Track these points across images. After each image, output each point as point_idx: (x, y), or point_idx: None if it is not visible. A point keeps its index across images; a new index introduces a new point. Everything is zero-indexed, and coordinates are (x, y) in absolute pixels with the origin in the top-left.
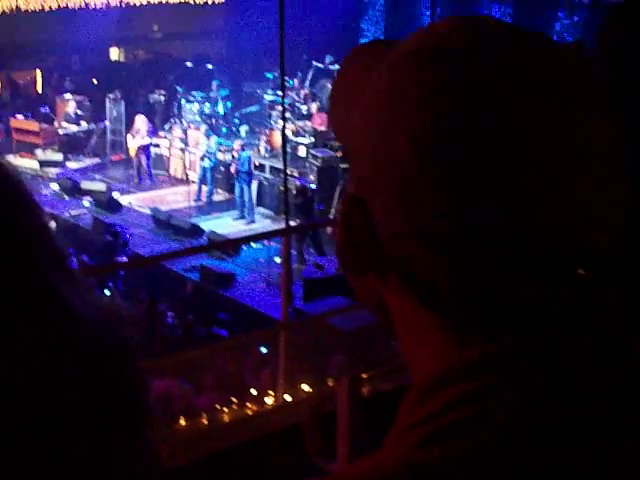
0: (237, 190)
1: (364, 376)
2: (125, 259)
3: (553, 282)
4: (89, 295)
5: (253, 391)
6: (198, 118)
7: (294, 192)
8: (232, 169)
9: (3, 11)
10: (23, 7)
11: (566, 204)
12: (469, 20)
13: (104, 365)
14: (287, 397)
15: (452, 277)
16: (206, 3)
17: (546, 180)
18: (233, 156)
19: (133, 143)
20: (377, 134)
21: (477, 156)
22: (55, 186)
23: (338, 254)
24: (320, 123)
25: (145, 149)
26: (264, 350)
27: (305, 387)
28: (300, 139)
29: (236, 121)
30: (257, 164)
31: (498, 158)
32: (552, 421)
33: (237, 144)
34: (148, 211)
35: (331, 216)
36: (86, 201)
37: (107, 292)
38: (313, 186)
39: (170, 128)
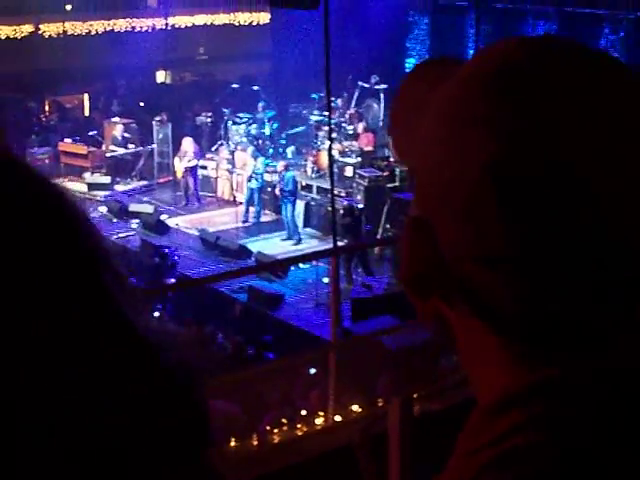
0: (283, 210)
1: (415, 396)
2: (173, 281)
3: (625, 308)
4: (150, 319)
5: (303, 412)
6: (245, 139)
7: (341, 212)
8: (276, 189)
9: (50, 35)
10: (70, 31)
11: None
12: (538, 40)
13: (175, 392)
14: (337, 418)
15: (519, 300)
16: (251, 24)
17: (627, 207)
18: (278, 176)
19: (180, 165)
20: (444, 156)
21: (550, 181)
22: (103, 209)
23: (402, 275)
24: (366, 143)
25: (192, 171)
26: (313, 371)
27: (355, 407)
28: (347, 159)
29: (283, 142)
30: (304, 185)
31: (574, 184)
32: (618, 450)
33: (281, 164)
34: (196, 232)
35: (378, 236)
36: (134, 223)
37: (156, 314)
38: (360, 206)
39: (217, 150)
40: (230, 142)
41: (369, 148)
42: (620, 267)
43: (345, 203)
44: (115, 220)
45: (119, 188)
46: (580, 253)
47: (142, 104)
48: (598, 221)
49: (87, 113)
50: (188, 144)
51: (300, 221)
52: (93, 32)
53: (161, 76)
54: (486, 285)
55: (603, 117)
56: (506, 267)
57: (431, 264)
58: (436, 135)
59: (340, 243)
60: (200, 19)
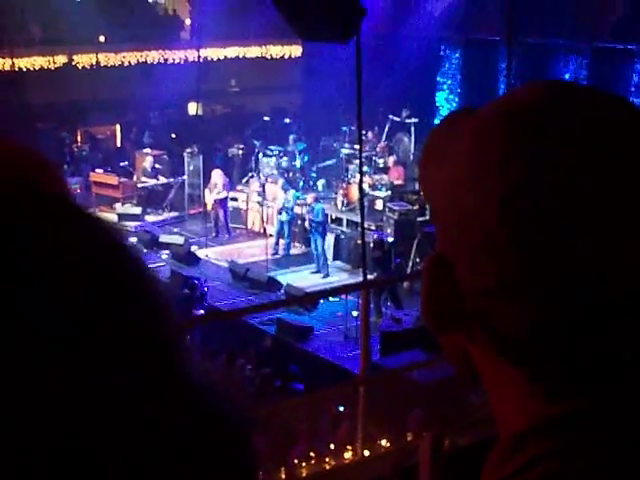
0: (312, 243)
1: (445, 431)
2: (202, 312)
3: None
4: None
5: (331, 445)
6: (275, 172)
7: (371, 245)
8: (306, 222)
9: (83, 66)
10: (103, 63)
11: None
12: (552, 83)
13: (227, 438)
14: (366, 452)
15: (534, 331)
16: (283, 57)
17: (628, 249)
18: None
19: (210, 197)
20: (460, 193)
21: (563, 216)
22: (133, 239)
23: (423, 310)
24: (397, 177)
25: (222, 203)
26: (342, 408)
27: (384, 442)
28: (377, 192)
29: (313, 175)
30: (334, 218)
31: (587, 221)
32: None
33: (311, 197)
34: (225, 264)
35: (408, 269)
36: (164, 254)
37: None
38: (390, 239)
39: (248, 182)
40: (261, 174)
41: (399, 182)
42: (630, 299)
43: (375, 236)
44: (145, 251)
45: (150, 219)
46: (592, 286)
47: (174, 136)
48: (603, 258)
49: (119, 144)
50: (217, 176)
51: (330, 254)
52: (126, 63)
53: (193, 108)
54: (504, 318)
55: (615, 167)
56: (522, 299)
57: (451, 300)
58: (453, 174)
59: (370, 276)
60: (232, 51)
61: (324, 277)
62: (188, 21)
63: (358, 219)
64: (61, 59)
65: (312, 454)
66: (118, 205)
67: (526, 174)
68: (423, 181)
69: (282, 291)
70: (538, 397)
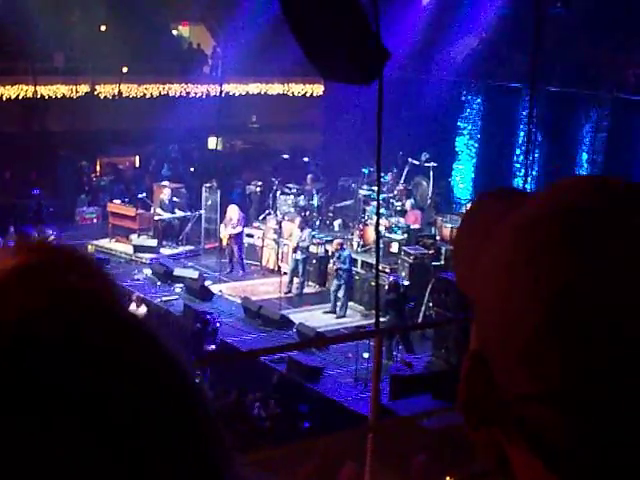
0: (334, 286)
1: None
2: (214, 347)
3: None
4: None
5: None
6: (292, 210)
7: (386, 287)
8: (332, 266)
9: (105, 96)
10: (125, 93)
11: None
12: (598, 181)
13: None
14: None
15: (575, 440)
16: (304, 95)
17: None
18: (332, 253)
19: (225, 232)
20: (505, 293)
21: (613, 326)
22: (148, 271)
23: (461, 409)
24: (414, 220)
25: (237, 238)
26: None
27: None
28: (393, 235)
29: (330, 214)
30: None
31: (634, 329)
32: None
33: (336, 242)
34: (239, 300)
35: (421, 314)
36: (178, 287)
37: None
38: (406, 283)
39: (264, 219)
40: (278, 212)
41: (416, 225)
42: None
43: (391, 279)
44: (159, 283)
45: (165, 252)
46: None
47: (192, 169)
48: None
49: (137, 175)
50: (233, 211)
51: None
52: (148, 95)
53: (212, 142)
54: (545, 423)
55: None
56: (567, 406)
57: (489, 399)
58: (499, 271)
59: (382, 319)
60: (254, 88)
61: (339, 317)
62: (212, 56)
63: (373, 261)
64: (83, 88)
65: None
66: (134, 236)
67: (576, 282)
68: (459, 267)
69: (294, 330)
70: None
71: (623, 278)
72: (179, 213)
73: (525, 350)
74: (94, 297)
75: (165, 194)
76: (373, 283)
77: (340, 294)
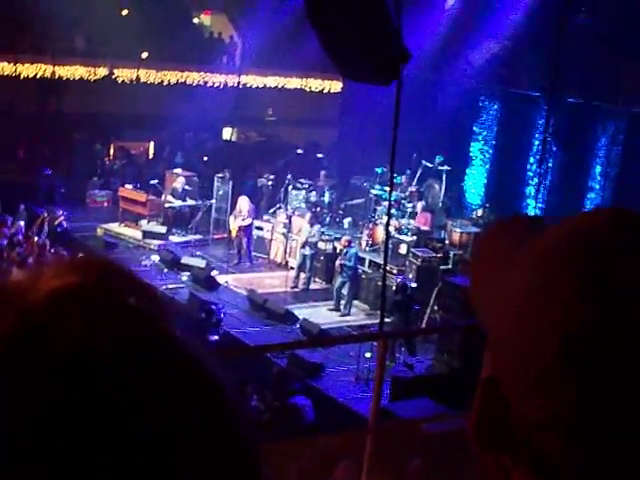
0: (338, 283)
1: None
2: (217, 337)
3: None
4: None
5: None
6: (303, 205)
7: (393, 289)
8: (337, 263)
9: (123, 81)
10: (143, 79)
11: None
12: (618, 215)
13: None
14: None
15: (583, 473)
16: (322, 91)
17: None
18: (340, 250)
19: (235, 223)
20: (520, 322)
21: (630, 362)
22: (156, 258)
23: (471, 429)
24: (424, 222)
25: (246, 230)
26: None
27: None
28: (402, 236)
29: (340, 212)
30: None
31: None
32: None
33: (345, 239)
34: (244, 292)
35: (426, 317)
36: (184, 276)
37: None
38: (414, 285)
39: (275, 212)
40: (288, 206)
41: (426, 228)
42: None
43: (399, 280)
44: (166, 270)
45: (174, 239)
46: None
47: (205, 158)
48: None
49: (150, 161)
50: (243, 202)
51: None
52: (165, 82)
53: (227, 133)
54: (553, 451)
55: None
56: (577, 439)
57: (500, 424)
58: (518, 299)
59: (387, 319)
60: (272, 81)
61: (343, 316)
62: (232, 46)
63: (381, 260)
64: (102, 71)
65: None
66: (144, 222)
67: (594, 315)
68: (474, 293)
69: (298, 325)
70: None
71: (633, 320)
72: (190, 202)
73: (540, 379)
74: (154, 321)
75: (179, 182)
76: (380, 283)
77: (344, 291)
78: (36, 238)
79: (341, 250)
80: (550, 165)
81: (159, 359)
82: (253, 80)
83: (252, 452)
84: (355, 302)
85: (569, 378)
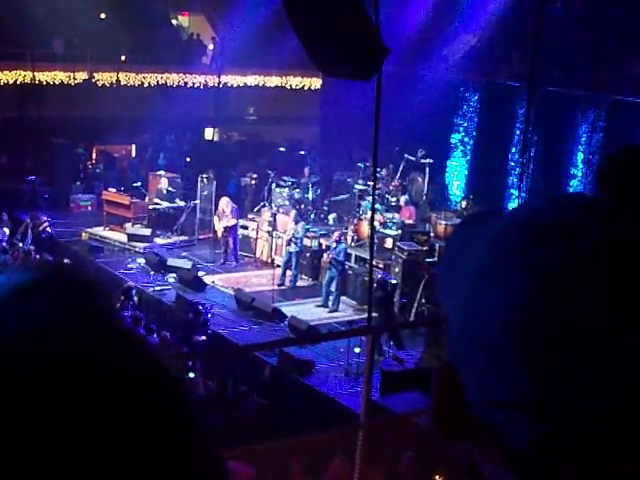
0: (326, 279)
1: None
2: (204, 338)
3: None
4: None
5: None
6: (287, 203)
7: (374, 285)
8: (326, 258)
9: (103, 84)
10: (123, 82)
11: None
12: (563, 196)
13: None
14: None
15: (535, 445)
16: (302, 88)
17: None
18: (328, 246)
19: (220, 225)
20: (470, 300)
21: (577, 333)
22: (142, 260)
23: (431, 418)
24: (408, 216)
25: (232, 230)
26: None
27: None
28: (387, 231)
29: (325, 208)
30: None
31: (601, 334)
32: None
33: (336, 234)
34: (231, 292)
35: (413, 310)
36: (171, 277)
37: (191, 375)
38: (394, 281)
39: (259, 211)
40: (273, 204)
41: (410, 221)
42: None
43: (379, 277)
44: (152, 273)
45: (159, 241)
46: (600, 412)
47: (188, 159)
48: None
49: (133, 164)
50: (225, 203)
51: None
52: (146, 84)
53: (209, 133)
54: (511, 428)
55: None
56: (526, 412)
57: (459, 409)
58: (468, 277)
59: (374, 314)
60: (252, 79)
61: (332, 312)
62: (211, 46)
63: (367, 255)
64: (82, 75)
65: None
66: (128, 225)
67: (532, 283)
68: (440, 279)
69: (286, 323)
70: None
71: (582, 283)
72: (174, 203)
73: (488, 357)
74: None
75: (161, 184)
76: (366, 278)
77: (332, 288)
78: (21, 244)
79: (328, 246)
80: (532, 154)
81: (95, 337)
82: (233, 80)
83: (191, 436)
84: (342, 298)
85: (515, 351)
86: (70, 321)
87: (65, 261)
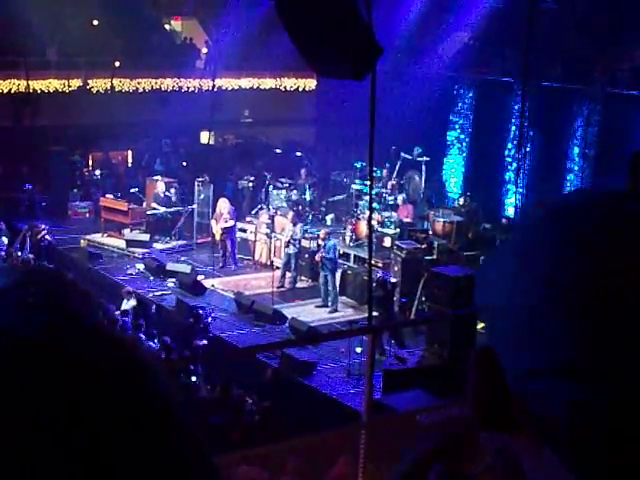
0: (321, 278)
1: None
2: (205, 342)
3: None
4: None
5: None
6: (285, 204)
7: (374, 285)
8: (317, 257)
9: (98, 91)
10: (117, 88)
11: None
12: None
13: None
14: None
15: (573, 410)
16: (297, 90)
17: None
18: (318, 244)
19: (217, 227)
20: (509, 279)
21: (628, 301)
22: (141, 266)
23: (470, 404)
24: (406, 215)
25: (230, 232)
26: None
27: None
28: (386, 230)
29: (322, 209)
30: (342, 252)
31: (628, 308)
32: None
33: (323, 232)
34: (231, 295)
35: (414, 308)
36: (170, 282)
37: (194, 378)
38: (394, 280)
39: (257, 213)
40: (270, 206)
41: (408, 220)
42: None
43: (379, 276)
44: (152, 278)
45: (158, 246)
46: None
47: (185, 164)
48: None
49: (130, 170)
50: (223, 205)
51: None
52: (140, 90)
53: (205, 137)
54: (547, 397)
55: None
56: (576, 377)
57: (499, 392)
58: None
59: (375, 313)
60: (246, 82)
61: (331, 312)
62: (204, 50)
63: (365, 255)
64: (76, 83)
65: None
66: (127, 231)
67: (571, 256)
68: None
69: (287, 324)
70: None
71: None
72: (172, 207)
73: (527, 326)
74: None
75: (158, 189)
76: (366, 277)
77: (329, 287)
78: (20, 253)
79: (319, 245)
80: (528, 149)
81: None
82: (227, 83)
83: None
84: (342, 298)
85: (555, 320)
86: (40, 319)
87: (47, 265)
